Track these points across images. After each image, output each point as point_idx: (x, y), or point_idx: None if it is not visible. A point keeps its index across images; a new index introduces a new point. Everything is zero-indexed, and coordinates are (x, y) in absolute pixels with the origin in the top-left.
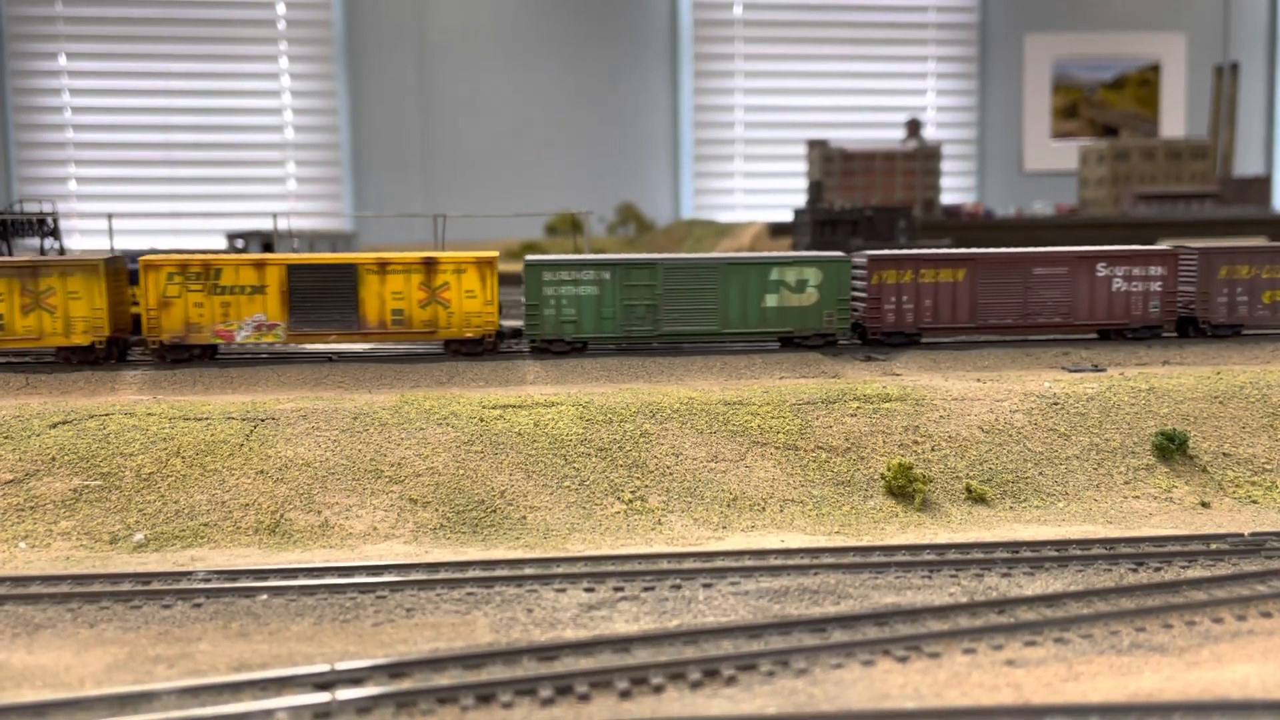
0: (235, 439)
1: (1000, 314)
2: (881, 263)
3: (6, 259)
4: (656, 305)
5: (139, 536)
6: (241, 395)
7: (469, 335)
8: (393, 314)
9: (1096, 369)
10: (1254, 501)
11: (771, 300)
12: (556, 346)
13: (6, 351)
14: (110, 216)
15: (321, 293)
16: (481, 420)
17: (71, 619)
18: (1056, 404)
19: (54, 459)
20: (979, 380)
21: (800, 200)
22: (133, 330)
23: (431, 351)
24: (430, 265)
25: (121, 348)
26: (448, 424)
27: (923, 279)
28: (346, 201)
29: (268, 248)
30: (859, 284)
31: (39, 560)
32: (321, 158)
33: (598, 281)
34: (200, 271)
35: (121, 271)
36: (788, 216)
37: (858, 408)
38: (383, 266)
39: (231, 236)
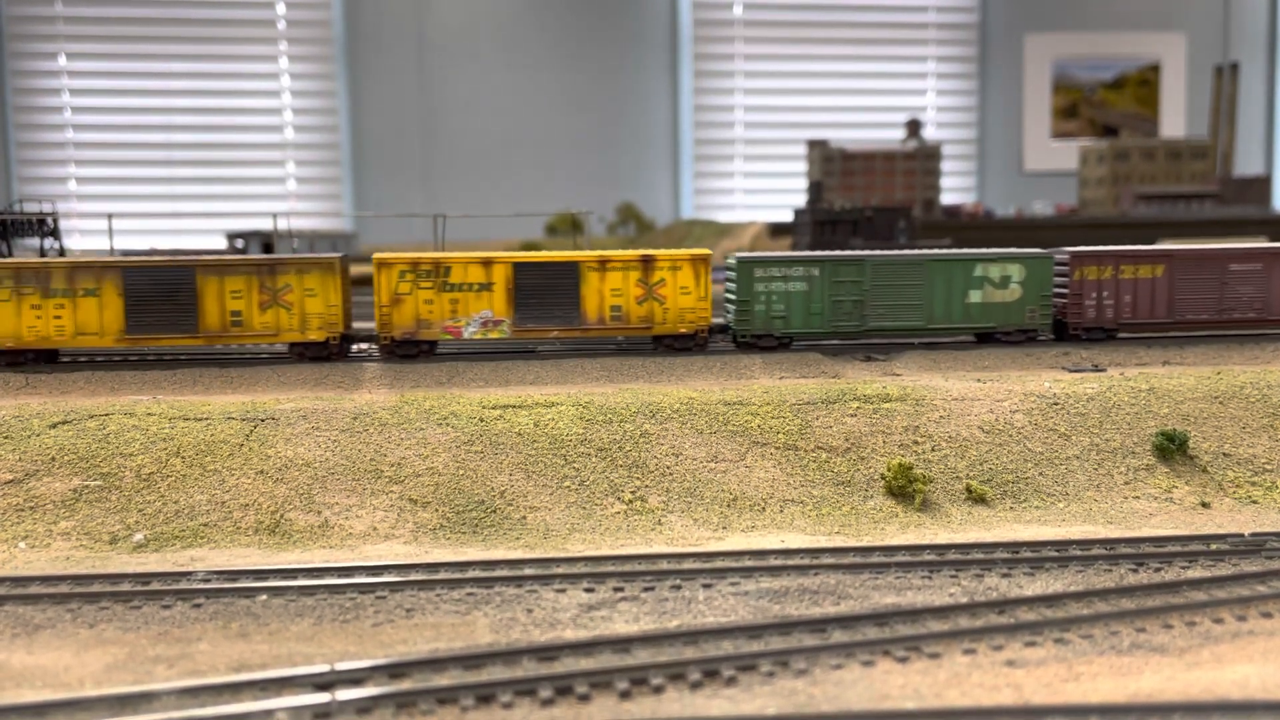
0: (235, 439)
1: (1197, 309)
2: (1084, 259)
3: (248, 257)
4: (863, 301)
5: (139, 537)
6: (242, 395)
7: (683, 330)
8: (611, 310)
9: (1097, 369)
10: (1254, 502)
11: (975, 296)
12: (765, 342)
13: (245, 347)
14: (110, 216)
15: (545, 290)
16: (481, 420)
17: (71, 619)
18: (1057, 404)
19: (54, 459)
20: (979, 380)
21: (800, 200)
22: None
23: (641, 347)
24: (648, 263)
25: (349, 344)
26: (448, 424)
27: (1123, 275)
28: (346, 201)
29: (268, 248)
30: (1059, 280)
31: (39, 560)
32: (321, 158)
33: (807, 278)
34: (431, 269)
35: (348, 270)
36: (788, 216)
37: (858, 408)
38: (603, 264)
39: (232, 236)
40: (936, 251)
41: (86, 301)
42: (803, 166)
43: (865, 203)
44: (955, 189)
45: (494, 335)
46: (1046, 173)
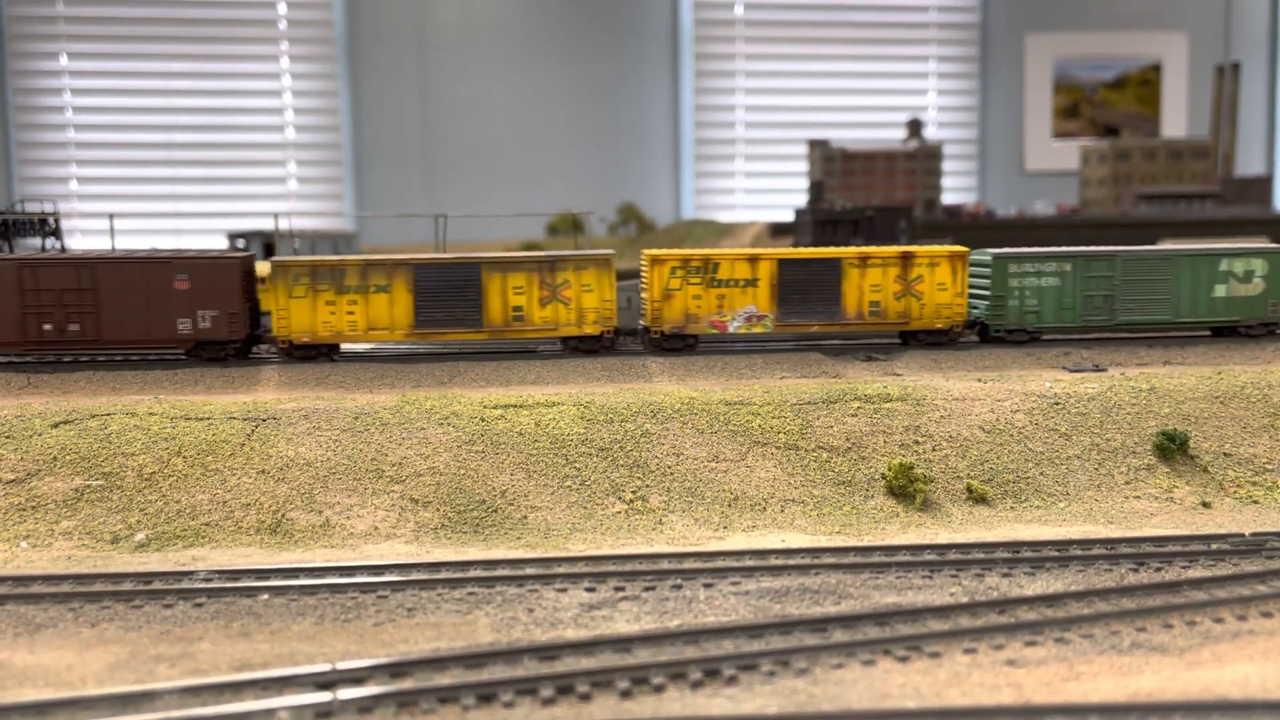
0: (237, 438)
1: None
2: None
3: (529, 255)
4: (1113, 296)
5: (140, 536)
6: (244, 395)
7: (939, 326)
8: (870, 305)
9: (1097, 369)
10: (1255, 502)
11: (1220, 290)
12: (1016, 336)
13: (524, 341)
14: (112, 216)
15: (808, 285)
16: (483, 420)
17: (73, 618)
18: (1058, 404)
19: (55, 459)
20: (980, 380)
21: (801, 200)
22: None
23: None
24: (907, 259)
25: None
26: (449, 424)
27: None
28: (348, 201)
29: (269, 248)
30: None
31: (40, 560)
32: (322, 157)
33: (1059, 273)
34: (700, 265)
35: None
36: (789, 216)
37: (859, 407)
38: (864, 260)
39: (233, 236)
40: (1183, 247)
41: (378, 298)
42: (804, 166)
43: (866, 203)
44: (956, 189)
45: (757, 330)
46: (1047, 173)
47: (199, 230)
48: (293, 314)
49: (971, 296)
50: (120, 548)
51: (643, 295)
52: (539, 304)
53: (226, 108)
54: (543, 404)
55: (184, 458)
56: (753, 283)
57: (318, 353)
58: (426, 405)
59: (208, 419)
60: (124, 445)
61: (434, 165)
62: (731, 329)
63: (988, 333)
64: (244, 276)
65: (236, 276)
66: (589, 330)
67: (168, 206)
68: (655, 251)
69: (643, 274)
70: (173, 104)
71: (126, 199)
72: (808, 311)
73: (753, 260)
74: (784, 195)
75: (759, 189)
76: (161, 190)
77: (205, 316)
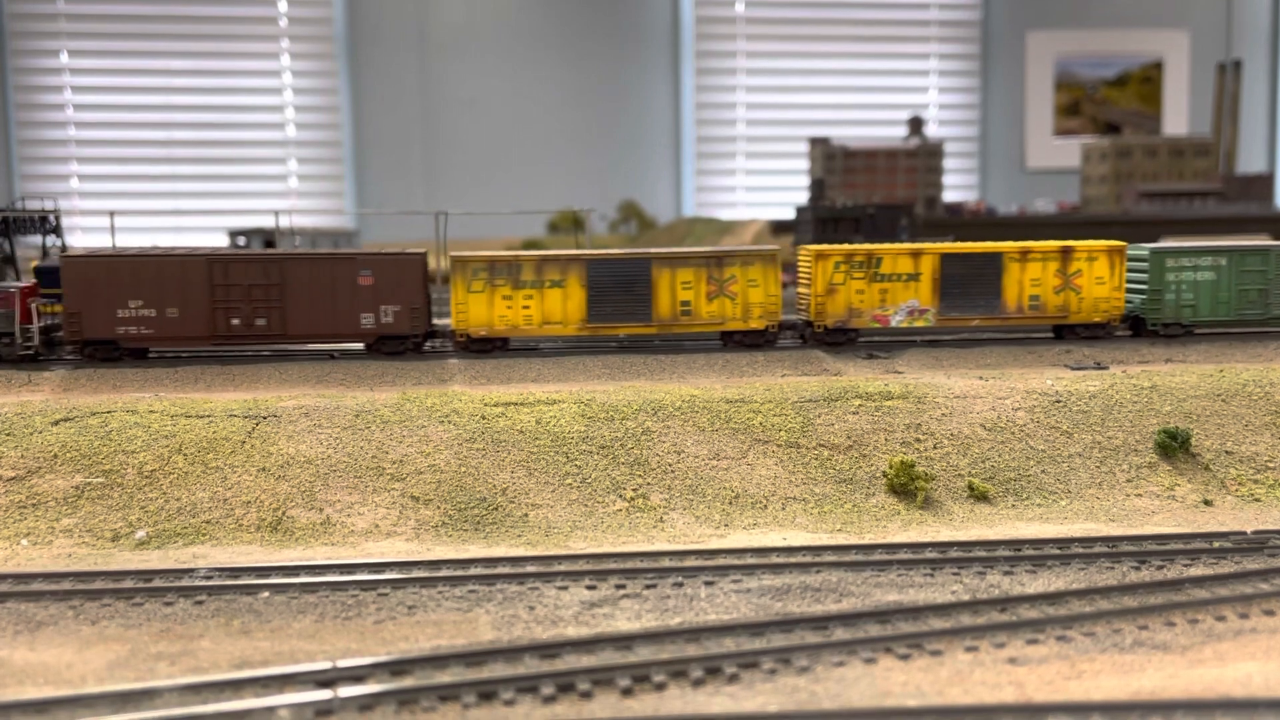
0: (237, 436)
1: None
2: None
3: (698, 250)
4: (1267, 290)
5: (141, 534)
6: (244, 393)
7: (1096, 320)
8: (1030, 299)
9: (1099, 366)
10: (1257, 500)
11: None
12: (1171, 330)
13: (694, 335)
14: (112, 214)
15: (969, 280)
16: (484, 418)
17: (73, 616)
18: (1059, 401)
19: (56, 456)
20: (981, 378)
21: (802, 198)
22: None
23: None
24: (1067, 253)
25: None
26: (450, 422)
27: None
28: (348, 199)
29: (269, 245)
30: None
31: (41, 557)
32: (323, 155)
33: (1214, 267)
34: (864, 260)
35: None
36: (790, 214)
37: (860, 405)
38: (1024, 255)
39: (234, 234)
40: None
41: (553, 292)
42: (805, 164)
43: (867, 200)
44: (957, 187)
45: (919, 324)
46: (1049, 170)
47: (200, 228)
48: (471, 308)
49: (1134, 292)
50: (121, 545)
51: (802, 290)
52: (706, 299)
53: (227, 105)
54: (544, 401)
55: (184, 455)
56: (915, 277)
57: (492, 346)
58: (427, 403)
59: (208, 416)
60: (124, 443)
61: (434, 162)
62: (894, 323)
63: (1142, 327)
64: (424, 272)
65: (418, 272)
66: (754, 325)
67: (168, 204)
68: (819, 246)
69: (802, 268)
70: (173, 101)
71: (127, 196)
72: (969, 305)
73: (915, 255)
74: (785, 193)
75: (760, 186)
76: (162, 188)
77: (388, 311)
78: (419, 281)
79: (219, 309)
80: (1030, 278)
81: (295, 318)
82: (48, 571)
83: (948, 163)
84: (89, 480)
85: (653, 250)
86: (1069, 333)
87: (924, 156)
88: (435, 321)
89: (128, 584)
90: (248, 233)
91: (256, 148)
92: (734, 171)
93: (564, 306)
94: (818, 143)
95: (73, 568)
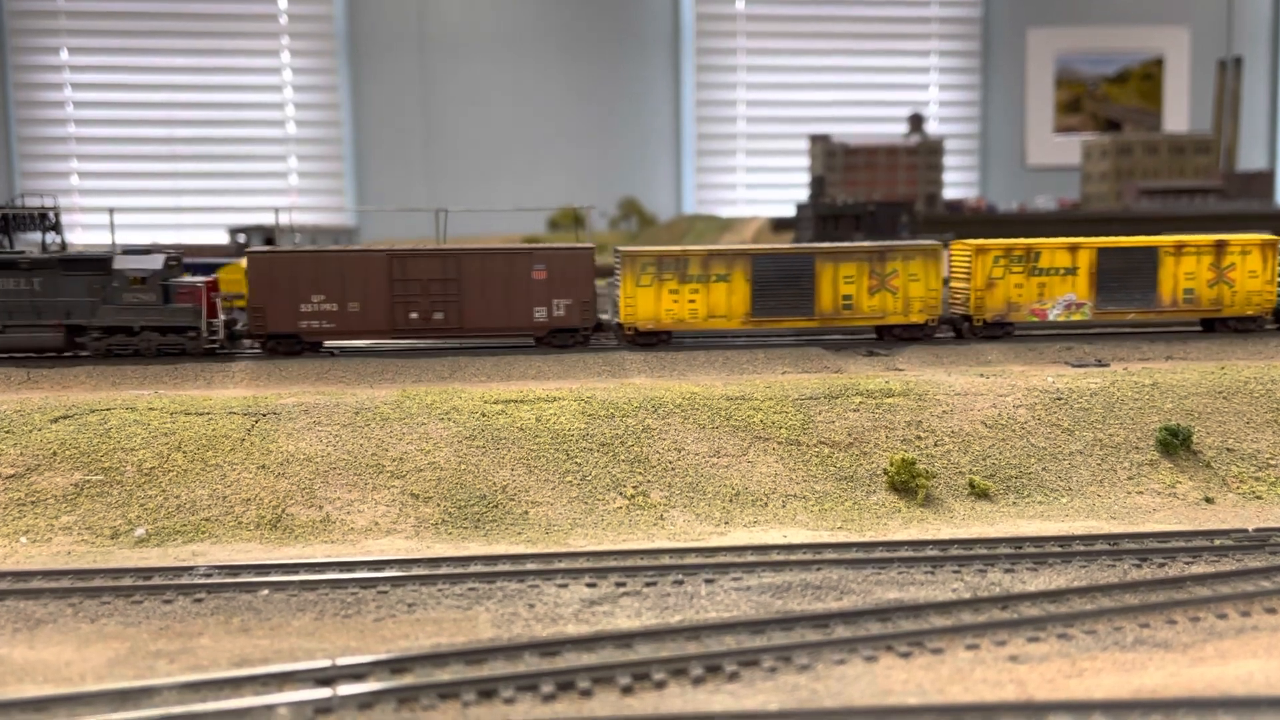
0: (237, 434)
1: None
2: None
3: (860, 245)
4: None
5: (140, 531)
6: (244, 390)
7: (1249, 313)
8: (1184, 293)
9: (1100, 364)
10: (1258, 497)
11: None
12: None
13: (855, 329)
14: (112, 211)
15: (1125, 274)
16: (483, 415)
17: (73, 614)
18: (1060, 399)
19: (55, 454)
20: (982, 375)
21: (802, 195)
22: None
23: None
24: (1220, 247)
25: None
26: (449, 419)
27: None
28: (349, 196)
29: (269, 242)
30: None
31: (40, 555)
32: (323, 152)
33: None
34: (1022, 255)
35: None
36: (790, 211)
37: (860, 403)
38: (1179, 249)
39: (234, 231)
40: None
41: (718, 286)
42: (805, 161)
43: (868, 198)
44: (958, 184)
45: (1076, 317)
46: (1049, 167)
47: (199, 225)
48: (639, 302)
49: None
50: (120, 543)
51: (957, 285)
52: (867, 293)
53: (227, 102)
54: (544, 399)
55: (184, 452)
56: (1072, 271)
57: (657, 339)
58: (427, 400)
59: (208, 414)
60: (124, 440)
61: (434, 159)
62: (1051, 317)
63: None
64: (593, 266)
65: (588, 267)
66: (914, 319)
67: (168, 201)
68: (979, 241)
69: (957, 263)
70: (173, 99)
71: (127, 194)
72: (1126, 299)
73: (1073, 249)
74: (785, 190)
75: (760, 184)
76: (162, 185)
77: (559, 305)
78: (589, 275)
79: (398, 303)
80: (1185, 271)
81: (471, 312)
82: (47, 569)
83: (948, 160)
84: (88, 478)
85: (818, 245)
86: (1221, 326)
87: (924, 154)
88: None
89: (127, 582)
90: (248, 230)
91: (256, 144)
92: (734, 169)
93: (729, 300)
94: (818, 140)
95: (72, 565)
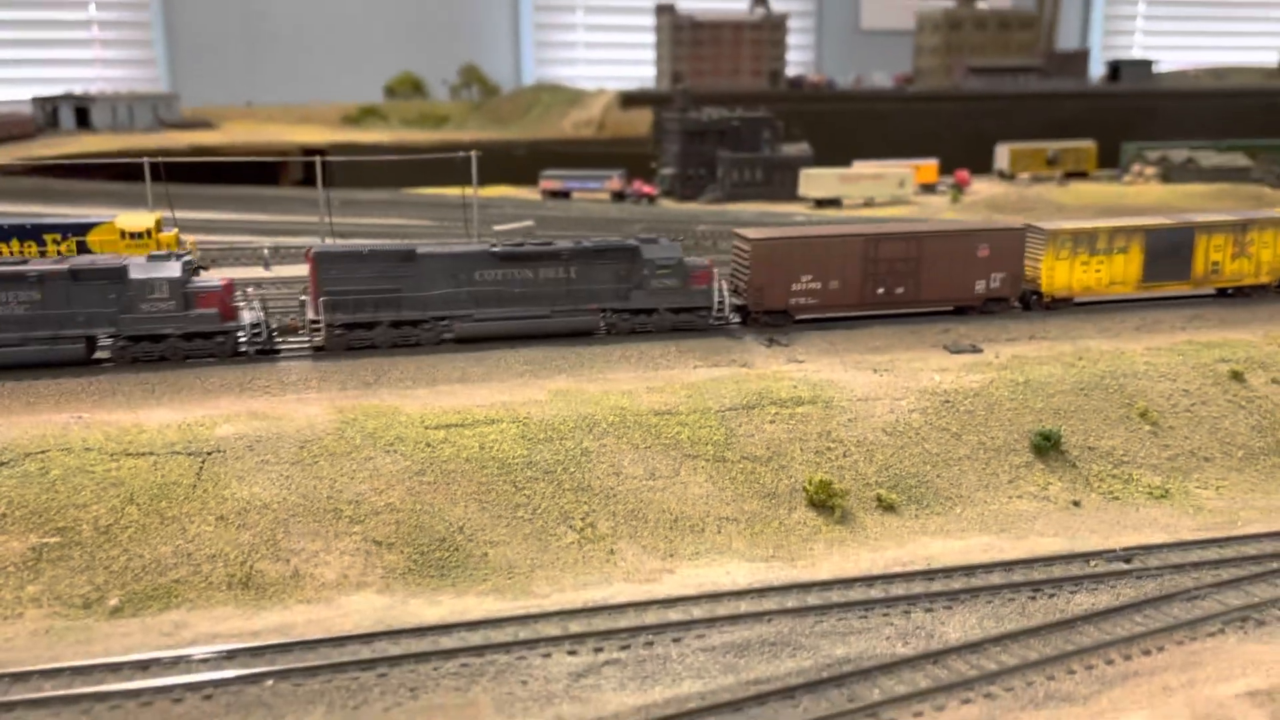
0: (187, 479)
1: None
2: None
3: (1230, 218)
4: None
5: (114, 601)
6: (170, 410)
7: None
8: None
9: (975, 349)
10: (1116, 498)
11: None
12: None
13: (1219, 289)
14: None
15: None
16: (429, 445)
17: None
18: (948, 402)
19: (5, 515)
20: (875, 371)
21: (648, 71)
22: None
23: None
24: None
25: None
26: (395, 450)
27: None
28: (161, 65)
29: (81, 111)
30: None
31: (17, 636)
32: (132, 18)
33: None
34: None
35: None
36: (637, 85)
37: (775, 413)
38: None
39: (41, 101)
40: None
41: (1118, 258)
42: (648, 32)
43: (715, 87)
44: (798, 61)
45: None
46: (883, 31)
47: None
48: (1056, 273)
49: None
50: (94, 614)
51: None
52: (1230, 259)
53: None
54: (483, 422)
55: (137, 505)
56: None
57: (1060, 304)
58: (369, 428)
59: (150, 454)
60: (72, 494)
61: (259, 24)
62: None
63: None
64: (1024, 243)
65: (1020, 243)
66: (1264, 280)
67: None
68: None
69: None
70: None
71: None
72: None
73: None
74: (631, 66)
75: (605, 59)
76: None
77: (995, 278)
78: (1020, 251)
79: (869, 280)
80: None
81: (927, 285)
82: (43, 667)
83: (789, 37)
84: (44, 540)
85: (1198, 219)
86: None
87: (768, 29)
88: None
89: (135, 685)
90: (57, 100)
91: (58, 9)
92: (574, 27)
93: (1125, 269)
94: (665, 11)
95: (61, 655)
